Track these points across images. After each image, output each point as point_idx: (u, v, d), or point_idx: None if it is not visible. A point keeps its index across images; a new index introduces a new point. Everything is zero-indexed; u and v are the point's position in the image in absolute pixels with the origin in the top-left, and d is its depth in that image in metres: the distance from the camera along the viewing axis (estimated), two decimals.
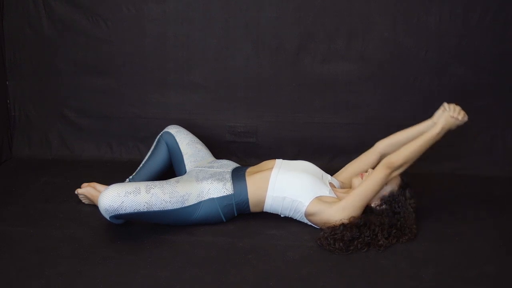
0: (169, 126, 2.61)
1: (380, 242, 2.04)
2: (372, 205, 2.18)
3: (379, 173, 2.12)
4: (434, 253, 2.03)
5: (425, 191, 2.51)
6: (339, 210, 2.09)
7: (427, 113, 2.84)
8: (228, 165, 2.35)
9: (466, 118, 2.19)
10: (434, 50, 2.77)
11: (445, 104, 2.20)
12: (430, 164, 2.87)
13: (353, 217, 2.08)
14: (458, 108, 2.18)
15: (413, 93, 2.84)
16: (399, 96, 2.86)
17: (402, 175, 2.24)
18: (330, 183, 2.31)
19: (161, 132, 2.59)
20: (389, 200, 2.16)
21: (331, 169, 2.53)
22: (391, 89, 2.85)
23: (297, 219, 2.23)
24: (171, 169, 2.55)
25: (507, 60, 2.76)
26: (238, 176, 2.24)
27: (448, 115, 2.17)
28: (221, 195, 2.17)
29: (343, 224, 2.06)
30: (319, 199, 2.15)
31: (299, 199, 2.15)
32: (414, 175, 2.39)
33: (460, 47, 2.76)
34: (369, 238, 2.04)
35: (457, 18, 2.72)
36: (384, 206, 2.17)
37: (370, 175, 2.16)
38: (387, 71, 2.82)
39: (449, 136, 2.86)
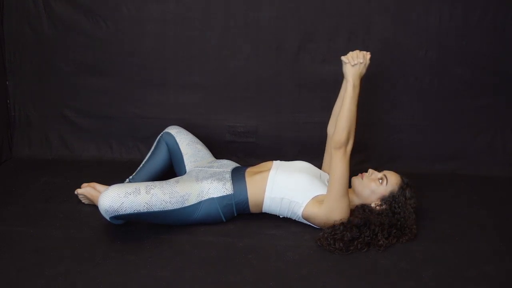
0: (169, 127, 2.61)
1: (380, 242, 2.04)
2: (372, 205, 2.18)
3: (335, 158, 2.07)
4: (434, 253, 2.03)
5: (425, 191, 2.50)
6: (327, 210, 2.09)
7: (427, 113, 2.87)
8: (228, 165, 2.35)
9: (368, 55, 2.14)
10: (434, 50, 2.77)
11: (342, 58, 2.14)
12: (430, 164, 2.88)
13: (353, 217, 2.09)
14: (354, 53, 2.14)
15: (413, 93, 2.84)
16: (399, 96, 2.86)
17: (402, 175, 2.24)
18: None
19: (161, 133, 2.59)
20: (389, 200, 2.16)
21: None
22: (391, 89, 2.85)
23: (296, 219, 2.23)
24: (171, 169, 2.55)
25: (507, 60, 2.76)
26: (238, 176, 2.24)
27: (349, 67, 2.12)
28: (221, 195, 2.18)
29: (343, 224, 2.07)
30: (317, 199, 2.15)
31: (296, 200, 2.16)
32: (414, 175, 2.39)
33: (460, 47, 2.75)
34: (369, 238, 2.04)
35: (457, 18, 2.72)
36: (384, 206, 2.17)
37: (331, 167, 2.10)
38: (387, 71, 2.82)
39: (449, 136, 2.88)
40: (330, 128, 2.43)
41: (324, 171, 2.44)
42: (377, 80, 2.84)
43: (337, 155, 2.08)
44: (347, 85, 2.13)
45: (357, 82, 2.12)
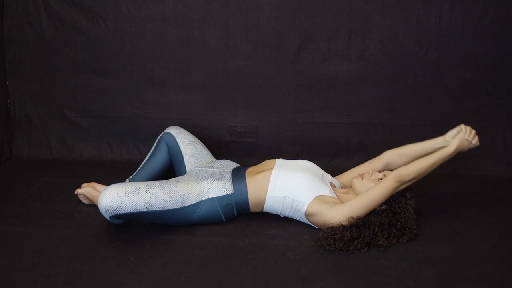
0: (169, 127, 2.61)
1: (380, 242, 2.04)
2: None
3: (388, 184, 2.11)
4: (434, 253, 2.03)
5: (425, 191, 2.50)
6: (341, 213, 2.09)
7: (427, 113, 2.87)
8: (228, 165, 2.35)
9: (478, 143, 2.19)
10: (434, 50, 2.77)
11: (462, 126, 2.20)
12: None
13: (352, 217, 2.08)
14: (473, 131, 2.19)
15: (413, 93, 2.84)
16: (399, 96, 2.86)
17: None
18: (331, 183, 2.31)
19: (162, 133, 2.59)
20: (389, 200, 2.16)
21: (331, 169, 2.53)
22: (391, 89, 2.85)
23: (297, 219, 2.23)
24: (171, 169, 2.55)
25: (507, 60, 2.76)
26: (238, 176, 2.24)
27: (463, 137, 2.17)
28: (221, 194, 2.18)
29: (342, 225, 2.06)
30: (320, 198, 2.15)
31: (299, 199, 2.15)
32: None
33: (460, 47, 2.76)
34: (369, 238, 2.04)
35: (457, 18, 2.72)
36: (384, 207, 2.17)
37: (379, 184, 2.14)
38: (387, 71, 2.82)
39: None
40: (390, 156, 2.34)
41: (338, 177, 2.42)
42: (377, 80, 2.84)
43: (392, 184, 2.10)
44: (447, 147, 2.16)
45: (455, 153, 2.17)
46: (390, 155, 2.34)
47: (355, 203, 2.11)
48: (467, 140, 2.18)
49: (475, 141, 2.19)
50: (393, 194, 2.13)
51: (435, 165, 2.16)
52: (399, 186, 2.12)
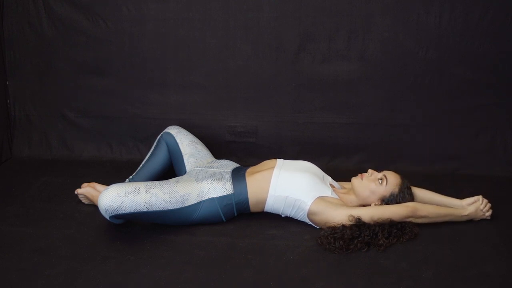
0: (169, 127, 2.61)
1: (380, 242, 2.04)
2: (372, 205, 2.18)
3: (402, 211, 2.12)
4: (434, 253, 2.03)
5: None
6: (345, 215, 2.09)
7: (427, 113, 2.86)
8: (228, 165, 2.35)
9: (489, 217, 2.28)
10: (434, 50, 2.77)
11: (480, 197, 2.28)
12: (430, 164, 2.88)
13: (352, 216, 2.08)
14: (489, 205, 2.27)
15: (413, 93, 2.84)
16: (399, 96, 2.86)
17: (402, 175, 2.24)
18: (331, 184, 2.31)
19: (161, 133, 2.59)
20: (390, 200, 2.17)
21: (331, 169, 2.53)
22: (391, 89, 2.85)
23: (299, 218, 2.23)
24: (171, 169, 2.55)
25: (507, 60, 2.76)
26: (238, 176, 2.24)
27: (478, 207, 2.25)
28: (221, 194, 2.18)
29: (343, 224, 2.06)
30: (322, 199, 2.15)
31: (301, 198, 2.15)
32: (414, 175, 2.39)
33: (460, 47, 2.75)
34: (369, 237, 2.04)
35: (457, 18, 2.71)
36: None
37: (394, 205, 2.14)
38: (387, 71, 2.82)
39: (449, 136, 2.88)
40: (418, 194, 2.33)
41: (340, 183, 2.42)
42: (377, 80, 2.84)
43: (406, 212, 2.12)
44: (461, 210, 2.25)
45: (467, 218, 2.25)
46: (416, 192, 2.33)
47: (363, 211, 2.12)
48: (481, 211, 2.26)
49: (488, 214, 2.27)
50: (401, 220, 2.12)
51: (446, 218, 2.22)
52: (410, 216, 2.14)
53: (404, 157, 2.90)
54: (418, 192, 2.31)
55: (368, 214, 2.10)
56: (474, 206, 2.25)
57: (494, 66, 2.78)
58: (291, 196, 2.17)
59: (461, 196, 2.30)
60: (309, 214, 2.17)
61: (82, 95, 3.00)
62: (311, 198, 2.14)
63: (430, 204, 2.23)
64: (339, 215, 2.09)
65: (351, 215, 2.08)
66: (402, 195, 2.18)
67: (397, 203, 2.16)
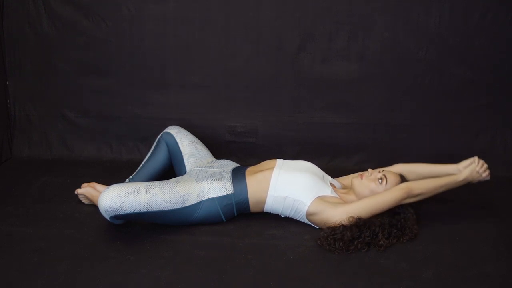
0: (169, 127, 2.61)
1: (380, 242, 2.04)
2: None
3: (396, 193, 2.11)
4: (434, 253, 2.03)
5: None
6: (343, 213, 2.09)
7: (427, 113, 2.87)
8: (228, 165, 2.35)
9: (488, 178, 2.23)
10: (434, 50, 2.77)
11: (476, 158, 2.24)
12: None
13: (353, 217, 2.08)
14: (485, 165, 2.23)
15: (413, 93, 2.84)
16: (399, 96, 2.86)
17: (402, 175, 2.24)
18: (331, 184, 2.31)
19: (161, 133, 2.59)
20: None
21: (331, 169, 2.53)
22: (391, 89, 2.85)
23: (298, 219, 2.23)
24: (171, 169, 2.55)
25: (507, 60, 2.76)
26: (238, 175, 2.24)
27: (474, 169, 2.21)
28: (221, 194, 2.18)
29: (343, 224, 2.06)
30: (321, 198, 2.15)
31: (300, 199, 2.15)
32: None
33: (460, 47, 2.76)
34: (369, 238, 2.04)
35: (457, 18, 2.72)
36: None
37: (387, 191, 2.14)
38: (387, 71, 2.82)
39: (449, 136, 2.89)
40: (400, 169, 2.33)
41: (340, 179, 2.42)
42: (377, 80, 2.84)
43: (400, 194, 2.11)
44: (457, 174, 2.21)
45: (464, 183, 2.21)
46: (401, 169, 2.34)
47: (359, 205, 2.11)
48: (477, 172, 2.22)
49: (485, 174, 2.23)
50: (398, 204, 2.12)
51: (443, 189, 2.19)
52: (405, 198, 2.12)
53: (404, 157, 2.87)
54: (413, 167, 2.31)
55: (363, 205, 2.10)
56: (470, 169, 2.21)
57: (494, 66, 2.78)
58: (290, 197, 2.17)
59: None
60: (308, 215, 2.17)
61: (82, 95, 2.99)
62: (310, 198, 2.14)
63: (423, 180, 2.19)
64: (338, 214, 2.09)
65: (352, 216, 2.08)
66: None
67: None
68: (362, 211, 2.10)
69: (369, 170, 2.26)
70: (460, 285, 1.84)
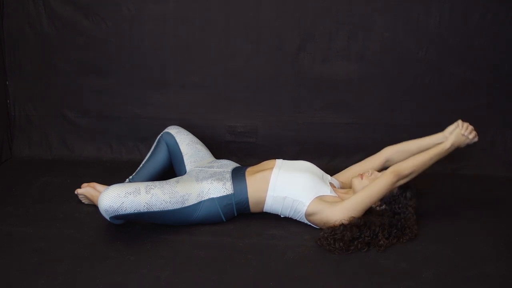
0: (169, 127, 2.61)
1: (380, 242, 2.04)
2: (372, 205, 2.18)
3: (386, 179, 2.12)
4: (434, 253, 2.03)
5: (425, 191, 2.50)
6: (340, 210, 2.09)
7: (427, 113, 2.87)
8: (228, 165, 2.35)
9: (476, 139, 2.20)
10: (434, 50, 2.77)
11: (459, 121, 2.22)
12: None
13: (353, 217, 2.08)
14: (470, 127, 2.20)
15: (413, 93, 2.85)
16: (399, 96, 2.86)
17: None
18: (330, 183, 2.31)
19: (161, 133, 2.59)
20: (389, 200, 2.17)
21: (331, 169, 2.53)
22: (391, 89, 2.85)
23: (297, 219, 2.23)
24: (171, 169, 2.55)
25: (507, 60, 2.76)
26: (238, 175, 2.24)
27: (459, 132, 2.19)
28: (221, 194, 2.18)
29: (343, 224, 2.07)
30: (320, 198, 2.15)
31: (299, 199, 2.15)
32: None
33: (460, 47, 2.76)
34: (369, 238, 2.04)
35: (457, 18, 2.72)
36: (384, 207, 2.17)
37: (376, 179, 2.15)
38: (387, 71, 2.82)
39: None
40: (390, 152, 2.35)
41: (337, 176, 2.43)
42: (377, 80, 2.84)
43: (389, 179, 2.11)
44: (443, 142, 2.18)
45: (452, 149, 2.18)
46: (389, 152, 2.35)
47: (354, 199, 2.11)
48: (463, 135, 2.19)
49: (471, 136, 2.20)
50: (391, 189, 2.13)
51: (433, 160, 2.17)
52: (397, 181, 2.12)
53: None
54: (402, 147, 2.32)
55: (358, 198, 2.10)
56: (455, 133, 2.20)
57: (494, 66, 2.78)
58: (289, 197, 2.17)
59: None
60: (307, 215, 2.17)
61: (82, 95, 2.99)
62: (309, 199, 2.14)
63: (410, 158, 2.18)
64: (336, 212, 2.09)
65: (352, 217, 2.08)
66: (403, 195, 2.18)
67: (397, 203, 2.16)
68: (358, 204, 2.10)
69: (370, 170, 2.26)
70: (460, 285, 1.84)
